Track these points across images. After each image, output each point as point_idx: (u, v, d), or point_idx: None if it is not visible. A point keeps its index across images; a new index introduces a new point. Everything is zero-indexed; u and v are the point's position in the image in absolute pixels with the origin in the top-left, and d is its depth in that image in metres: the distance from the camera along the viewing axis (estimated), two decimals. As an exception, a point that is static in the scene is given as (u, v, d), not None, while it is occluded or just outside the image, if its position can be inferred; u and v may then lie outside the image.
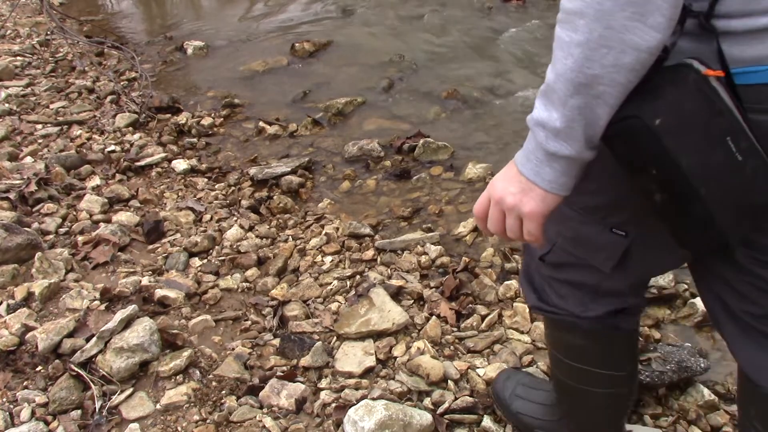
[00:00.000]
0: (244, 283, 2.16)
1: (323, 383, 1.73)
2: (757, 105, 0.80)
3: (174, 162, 2.97)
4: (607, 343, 1.22)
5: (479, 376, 1.72)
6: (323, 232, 2.39)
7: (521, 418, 1.52)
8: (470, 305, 2.00)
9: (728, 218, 0.83)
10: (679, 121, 0.79)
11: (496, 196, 0.92)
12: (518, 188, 0.89)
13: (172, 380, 1.74)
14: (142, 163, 2.93)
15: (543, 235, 0.93)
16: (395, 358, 1.80)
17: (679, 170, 0.80)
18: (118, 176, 2.84)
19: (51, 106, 3.59)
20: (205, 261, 2.27)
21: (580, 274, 1.13)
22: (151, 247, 2.36)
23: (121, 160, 2.94)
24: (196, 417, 1.63)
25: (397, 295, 2.02)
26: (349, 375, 1.75)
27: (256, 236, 2.41)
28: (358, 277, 2.14)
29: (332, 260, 2.24)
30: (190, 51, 4.39)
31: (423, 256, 2.22)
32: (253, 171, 2.84)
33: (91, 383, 1.69)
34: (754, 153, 0.79)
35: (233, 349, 1.86)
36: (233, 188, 2.78)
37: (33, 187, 2.61)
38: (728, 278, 0.98)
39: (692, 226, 0.85)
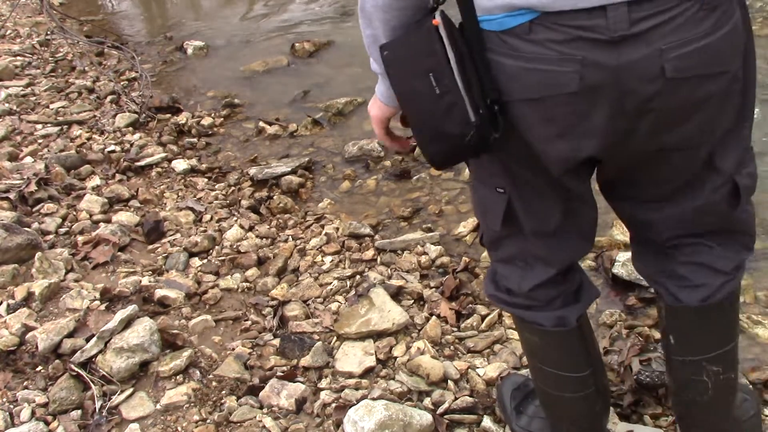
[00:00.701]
0: (244, 283, 2.16)
1: (323, 383, 1.73)
2: (493, 47, 0.96)
3: (174, 162, 2.97)
4: (558, 341, 1.28)
5: (479, 376, 1.72)
6: (323, 232, 2.39)
7: (509, 416, 1.56)
8: (470, 305, 2.00)
9: (426, 140, 1.03)
10: (395, 56, 1.01)
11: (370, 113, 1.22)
12: (371, 103, 1.21)
13: (172, 380, 1.74)
14: (142, 163, 2.93)
15: (389, 145, 1.23)
16: (395, 358, 1.80)
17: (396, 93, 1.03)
18: (118, 176, 2.84)
19: (51, 106, 3.59)
20: (205, 261, 2.27)
21: (507, 247, 1.24)
22: (151, 247, 2.36)
23: (121, 160, 2.94)
24: (196, 417, 1.63)
25: (397, 295, 2.02)
26: (349, 375, 1.75)
27: (256, 236, 2.41)
28: (358, 277, 2.14)
29: (332, 260, 2.24)
30: (190, 51, 4.39)
31: (423, 256, 2.22)
32: (253, 171, 2.85)
33: (91, 383, 1.69)
34: (453, 91, 0.95)
35: (233, 349, 1.86)
36: (233, 188, 2.78)
37: (33, 187, 2.61)
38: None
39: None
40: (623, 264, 2.03)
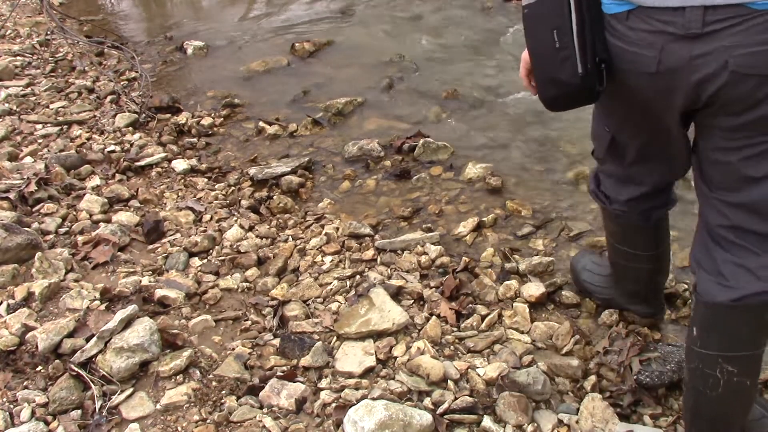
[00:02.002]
0: (244, 283, 2.16)
1: (323, 383, 1.73)
2: (610, 29, 1.21)
3: (174, 162, 2.97)
4: (635, 230, 1.65)
5: (479, 376, 1.72)
6: (323, 232, 2.39)
7: (586, 284, 1.98)
8: (470, 305, 2.00)
9: (543, 83, 1.30)
10: (531, 12, 1.26)
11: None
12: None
13: (172, 380, 1.74)
14: (142, 163, 2.93)
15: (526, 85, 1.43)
16: (395, 358, 1.80)
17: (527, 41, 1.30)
18: (118, 176, 2.84)
19: (51, 106, 3.59)
20: (205, 261, 2.27)
21: (609, 165, 1.59)
22: (151, 247, 2.36)
23: (121, 160, 2.94)
24: (196, 417, 1.63)
25: (397, 295, 2.02)
26: (349, 375, 1.75)
27: (256, 236, 2.41)
28: (358, 277, 2.14)
29: (332, 260, 2.24)
30: (190, 51, 4.39)
31: (423, 256, 2.22)
32: (253, 171, 2.84)
33: (91, 383, 1.69)
34: (569, 47, 1.20)
35: (233, 349, 1.86)
36: (233, 188, 2.78)
37: (33, 187, 2.61)
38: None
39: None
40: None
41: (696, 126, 1.30)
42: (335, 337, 1.89)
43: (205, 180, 2.86)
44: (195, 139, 3.23)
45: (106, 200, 2.60)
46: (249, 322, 1.98)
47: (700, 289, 1.34)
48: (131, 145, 3.13)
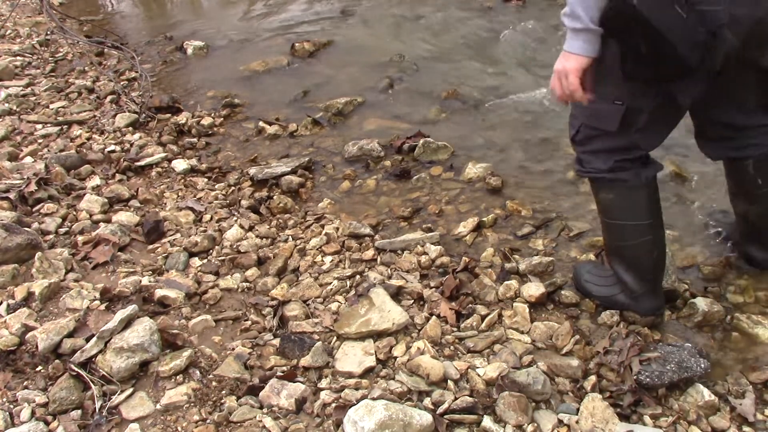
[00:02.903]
0: (244, 283, 2.16)
1: (323, 383, 1.73)
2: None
3: (174, 162, 2.97)
4: (627, 195, 1.78)
5: (479, 376, 1.72)
6: (323, 232, 2.39)
7: (588, 286, 2.02)
8: (470, 305, 2.00)
9: (686, 49, 1.44)
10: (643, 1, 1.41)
11: (555, 69, 1.60)
12: (563, 59, 1.57)
13: (172, 380, 1.74)
14: (142, 163, 2.93)
15: (577, 94, 1.58)
16: (395, 358, 1.80)
17: (651, 25, 1.41)
18: (118, 176, 2.84)
19: (51, 106, 3.59)
20: (205, 261, 2.27)
21: (596, 144, 1.75)
22: (151, 247, 2.36)
23: (121, 160, 2.94)
24: (196, 417, 1.63)
25: (397, 295, 2.02)
26: (349, 375, 1.75)
27: (256, 236, 2.41)
28: (358, 277, 2.14)
29: (332, 260, 2.24)
30: (190, 51, 4.39)
31: (423, 256, 2.22)
32: (253, 171, 2.85)
33: (91, 383, 1.69)
34: (692, 11, 1.42)
35: (233, 349, 1.86)
36: (233, 188, 2.78)
37: (33, 187, 2.61)
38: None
39: (666, 61, 1.46)
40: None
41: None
42: (335, 337, 1.89)
43: (205, 180, 2.86)
44: (195, 139, 3.23)
45: (106, 200, 2.60)
46: (249, 322, 1.98)
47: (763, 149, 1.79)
48: (131, 145, 3.13)
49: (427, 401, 1.64)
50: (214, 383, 1.74)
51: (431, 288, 2.07)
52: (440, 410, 1.61)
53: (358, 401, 1.61)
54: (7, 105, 3.56)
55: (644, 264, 1.85)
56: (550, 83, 1.64)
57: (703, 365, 1.69)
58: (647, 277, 1.86)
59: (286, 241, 2.39)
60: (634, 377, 1.67)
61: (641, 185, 1.76)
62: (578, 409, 1.62)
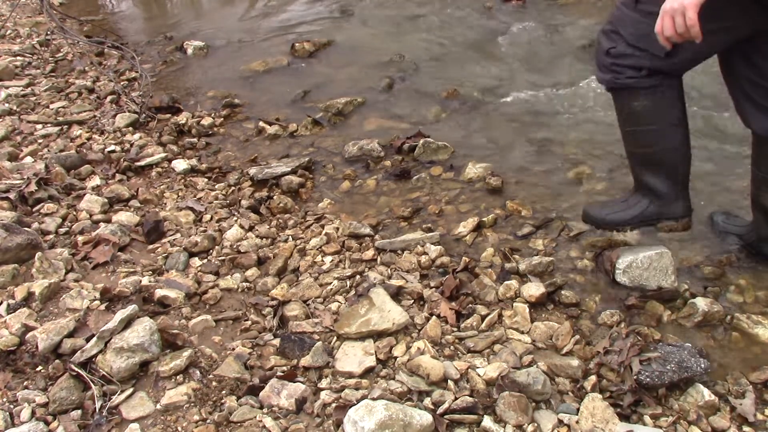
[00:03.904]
0: (244, 283, 2.16)
1: (323, 383, 1.73)
2: None
3: (174, 162, 2.97)
4: (662, 98, 1.84)
5: (479, 376, 1.72)
6: (323, 232, 2.39)
7: (615, 219, 2.07)
8: (470, 305, 2.00)
9: None
10: None
11: (666, 9, 1.57)
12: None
13: (173, 380, 1.74)
14: (142, 163, 2.93)
15: (694, 30, 1.54)
16: (395, 358, 1.80)
17: None
18: (118, 176, 2.84)
19: (51, 106, 3.59)
20: (205, 261, 2.27)
21: (637, 60, 1.80)
22: (151, 247, 2.36)
23: (121, 160, 2.94)
24: (196, 417, 1.63)
25: (397, 295, 2.02)
26: (350, 375, 1.75)
27: (256, 236, 2.41)
28: (358, 277, 2.14)
29: (332, 260, 2.24)
30: (190, 51, 4.39)
31: (423, 256, 2.22)
32: (253, 171, 2.85)
33: (91, 383, 1.69)
34: None
35: (233, 349, 1.86)
36: (233, 188, 2.78)
37: (33, 187, 2.61)
38: (753, 63, 1.75)
39: None
40: (624, 271, 2.03)
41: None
42: (335, 337, 1.89)
43: (205, 180, 2.86)
44: (195, 139, 3.23)
45: (106, 200, 2.60)
46: (249, 322, 1.98)
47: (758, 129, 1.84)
48: (131, 145, 3.13)
49: (427, 401, 1.64)
50: (214, 383, 1.74)
51: (431, 288, 2.07)
52: (440, 410, 1.61)
53: (358, 401, 1.61)
54: (7, 105, 3.56)
55: (677, 165, 1.95)
56: (655, 27, 1.61)
57: (703, 365, 1.69)
58: (679, 178, 1.97)
59: (286, 241, 2.39)
60: (634, 377, 1.67)
61: (676, 85, 1.85)
62: (578, 409, 1.62)
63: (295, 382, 1.72)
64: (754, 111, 1.83)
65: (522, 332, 1.89)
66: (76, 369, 1.71)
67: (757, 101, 1.82)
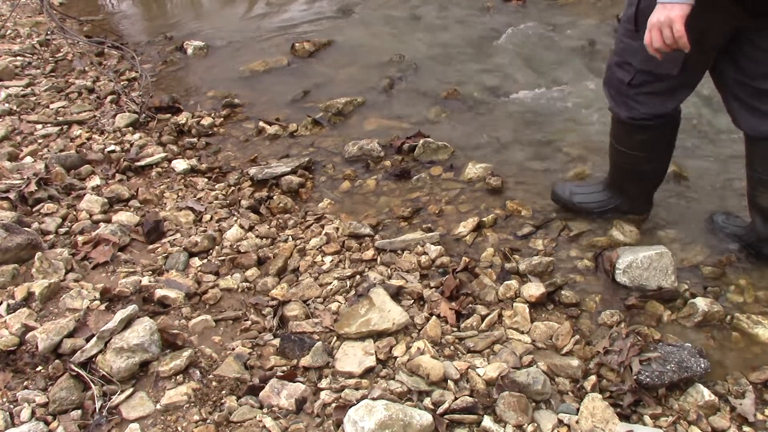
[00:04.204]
0: (244, 283, 2.16)
1: (323, 383, 1.73)
2: None
3: (174, 162, 2.97)
4: (661, 134, 2.06)
5: (479, 376, 1.72)
6: (323, 232, 2.39)
7: (584, 206, 2.33)
8: (470, 305, 2.00)
9: None
10: None
11: (653, 22, 1.66)
12: (664, 10, 1.63)
13: (172, 380, 1.74)
14: (142, 163, 2.93)
15: (682, 41, 1.63)
16: (395, 358, 1.80)
17: None
18: (118, 176, 2.84)
19: (51, 106, 3.59)
20: (205, 261, 2.27)
21: (656, 86, 1.92)
22: (151, 247, 2.36)
23: (121, 160, 2.94)
24: (196, 417, 1.63)
25: (397, 295, 2.02)
26: (349, 375, 1.75)
27: (256, 236, 2.41)
28: (358, 277, 2.14)
29: (332, 260, 2.24)
30: (190, 51, 4.39)
31: (423, 256, 2.22)
32: (253, 171, 2.85)
33: (91, 383, 1.69)
34: None
35: (233, 349, 1.86)
36: (233, 188, 2.78)
37: (33, 187, 2.61)
38: (740, 66, 1.81)
39: None
40: (624, 271, 2.03)
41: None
42: (335, 337, 1.89)
43: (205, 180, 2.86)
44: (195, 139, 3.23)
45: (106, 200, 2.60)
46: (249, 322, 1.98)
47: (750, 131, 1.90)
48: (131, 145, 3.13)
49: (427, 401, 1.64)
50: (214, 383, 1.74)
51: (431, 288, 2.07)
52: (440, 410, 1.61)
53: (358, 401, 1.61)
54: (7, 105, 3.56)
55: (657, 178, 2.20)
56: (644, 39, 1.71)
57: (703, 365, 1.69)
58: (652, 187, 2.24)
59: (286, 241, 2.39)
60: (634, 377, 1.67)
61: (678, 122, 2.05)
62: (578, 409, 1.62)
63: (295, 382, 1.72)
64: (742, 111, 1.87)
65: (522, 332, 1.90)
66: (76, 369, 1.71)
67: (744, 101, 1.85)
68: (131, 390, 1.70)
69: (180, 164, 2.94)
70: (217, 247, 2.35)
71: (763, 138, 1.85)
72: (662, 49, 1.69)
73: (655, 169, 2.17)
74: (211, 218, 2.54)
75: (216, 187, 2.80)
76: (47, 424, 1.62)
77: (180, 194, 2.73)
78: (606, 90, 2.10)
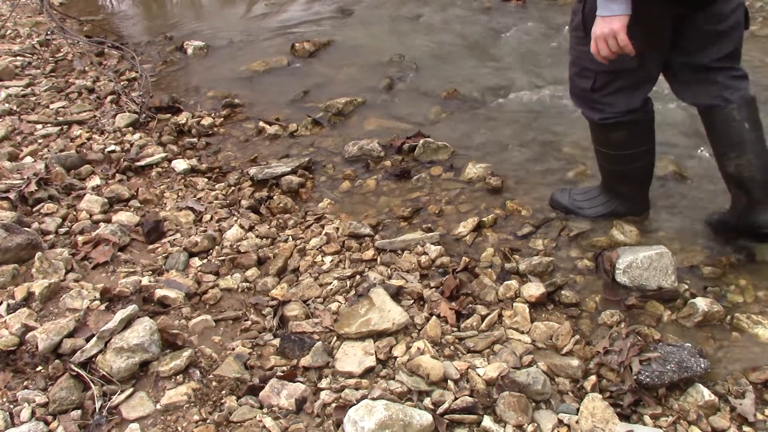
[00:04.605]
0: (244, 283, 2.16)
1: (323, 383, 1.73)
2: None
3: (174, 162, 2.97)
4: (636, 129, 2.10)
5: (479, 376, 1.72)
6: (323, 232, 2.39)
7: (583, 212, 2.37)
8: (470, 305, 2.00)
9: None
10: None
11: (597, 34, 1.79)
12: (605, 23, 1.75)
13: (172, 380, 1.74)
14: (142, 163, 2.93)
15: (628, 48, 1.76)
16: (395, 358, 1.80)
17: None
18: (118, 176, 2.84)
19: (51, 106, 3.59)
20: (205, 261, 2.27)
21: (618, 84, 2.00)
22: (151, 247, 2.36)
23: (121, 160, 2.94)
24: (196, 417, 1.63)
25: (397, 295, 2.02)
26: (349, 375, 1.75)
27: (256, 236, 2.41)
28: (358, 277, 2.14)
29: (332, 260, 2.24)
30: (190, 51, 4.39)
31: (423, 256, 2.22)
32: (253, 171, 2.85)
33: (91, 383, 1.69)
34: None
35: (233, 349, 1.86)
36: (233, 188, 2.78)
37: (33, 187, 2.61)
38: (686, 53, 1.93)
39: None
40: (624, 271, 2.03)
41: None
42: (335, 337, 1.89)
43: (205, 180, 2.86)
44: (195, 139, 3.23)
45: (106, 200, 2.60)
46: (249, 322, 1.98)
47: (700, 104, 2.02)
48: (131, 145, 3.13)
49: (427, 401, 1.64)
50: (214, 383, 1.74)
51: (431, 288, 2.07)
52: (440, 410, 1.61)
53: (358, 401, 1.61)
54: (7, 105, 3.56)
55: (645, 177, 2.24)
56: (591, 48, 1.84)
57: (703, 365, 1.69)
58: (645, 185, 2.27)
59: (286, 241, 2.39)
60: (634, 377, 1.67)
61: (652, 116, 2.10)
62: (578, 409, 1.62)
63: (295, 382, 1.72)
64: (691, 88, 1.99)
65: (522, 332, 1.89)
66: (76, 369, 1.71)
67: (691, 80, 1.97)
68: (131, 390, 1.70)
69: (180, 164, 2.94)
70: (217, 247, 2.35)
71: (711, 106, 1.96)
72: (610, 57, 1.81)
73: (641, 167, 2.19)
74: (211, 218, 2.54)
75: (216, 187, 2.80)
76: (47, 424, 1.62)
77: (180, 194, 2.73)
78: (573, 99, 2.21)
